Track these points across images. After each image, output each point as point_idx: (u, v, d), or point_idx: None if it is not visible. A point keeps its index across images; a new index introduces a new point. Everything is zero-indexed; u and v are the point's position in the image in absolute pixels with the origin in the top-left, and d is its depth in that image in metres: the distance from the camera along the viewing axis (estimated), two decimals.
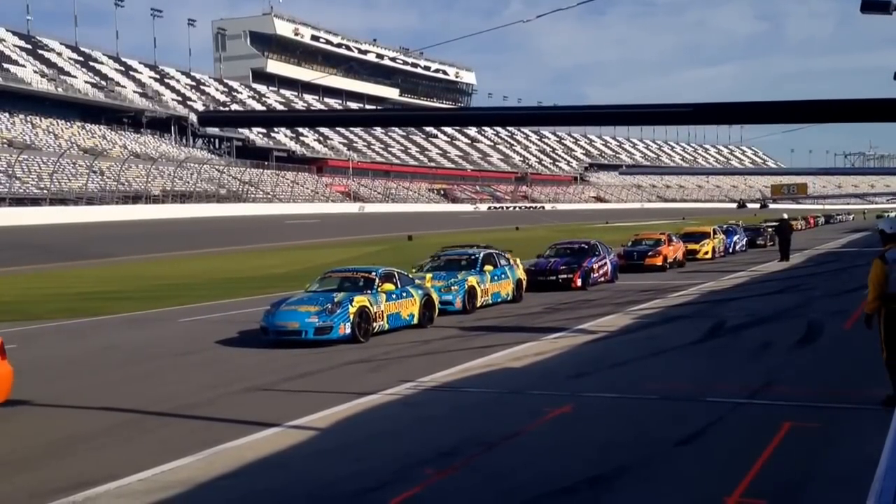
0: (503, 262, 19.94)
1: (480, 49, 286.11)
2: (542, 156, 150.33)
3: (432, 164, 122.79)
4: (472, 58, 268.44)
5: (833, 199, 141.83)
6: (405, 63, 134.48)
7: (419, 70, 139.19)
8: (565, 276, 22.18)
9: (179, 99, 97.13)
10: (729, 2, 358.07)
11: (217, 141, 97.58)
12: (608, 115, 7.45)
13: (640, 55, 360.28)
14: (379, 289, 14.75)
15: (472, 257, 19.42)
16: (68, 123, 79.64)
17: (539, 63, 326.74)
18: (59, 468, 7.22)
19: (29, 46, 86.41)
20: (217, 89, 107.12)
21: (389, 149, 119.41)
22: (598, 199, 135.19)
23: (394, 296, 14.96)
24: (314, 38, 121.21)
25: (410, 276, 17.04)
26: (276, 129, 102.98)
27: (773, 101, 4.99)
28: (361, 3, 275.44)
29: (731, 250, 36.12)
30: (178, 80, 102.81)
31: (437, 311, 16.25)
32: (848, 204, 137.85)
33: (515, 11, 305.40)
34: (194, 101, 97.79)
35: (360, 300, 14.11)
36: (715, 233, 34.77)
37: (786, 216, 32.56)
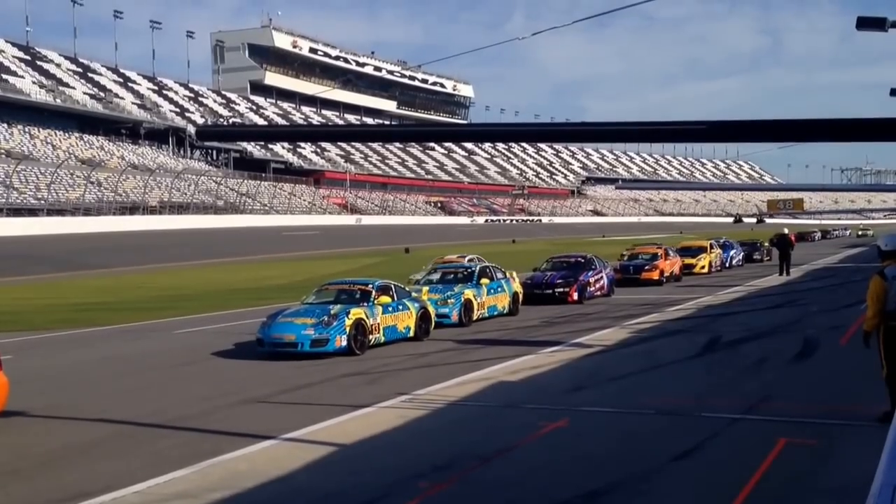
0: (499, 275, 19.96)
1: (481, 62, 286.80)
2: (539, 169, 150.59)
3: (429, 177, 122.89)
4: (473, 70, 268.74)
5: (830, 214, 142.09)
6: (403, 76, 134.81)
7: (417, 83, 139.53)
8: (562, 289, 22.19)
9: (177, 110, 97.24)
10: (730, 16, 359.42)
11: (215, 152, 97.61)
12: (618, 133, 7.47)
13: (641, 69, 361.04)
14: (375, 301, 14.76)
15: (469, 270, 19.45)
16: (66, 134, 79.66)
17: (540, 76, 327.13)
18: (55, 479, 7.20)
19: (28, 57, 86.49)
20: (215, 101, 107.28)
21: (387, 161, 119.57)
22: (596, 213, 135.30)
23: (390, 308, 14.96)
24: (312, 50, 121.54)
25: (407, 288, 17.05)
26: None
27: (786, 120, 5.02)
28: (365, 16, 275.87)
29: (727, 265, 36.16)
30: (176, 92, 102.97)
31: (433, 324, 16.24)
32: (841, 219, 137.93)
33: (518, 25, 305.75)
34: (192, 113, 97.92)
35: (357, 313, 14.11)
36: (712, 247, 34.82)
37: (786, 230, 32.62)
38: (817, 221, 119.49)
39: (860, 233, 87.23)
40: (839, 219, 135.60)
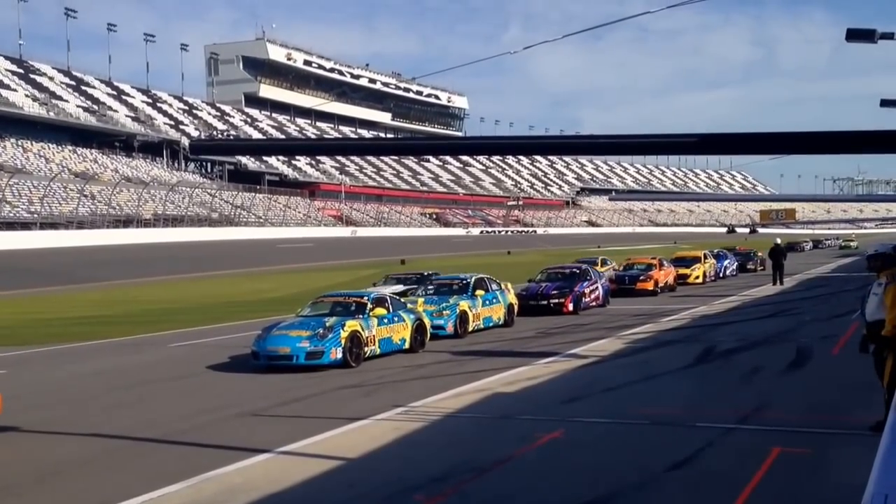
0: (494, 286, 19.98)
1: (476, 73, 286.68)
2: (533, 180, 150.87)
3: (424, 189, 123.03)
4: (468, 82, 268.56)
5: (822, 223, 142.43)
6: (397, 88, 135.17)
7: (411, 95, 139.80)
8: (557, 300, 22.21)
9: (172, 123, 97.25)
10: (724, 28, 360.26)
11: (209, 165, 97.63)
12: (611, 146, 7.50)
13: (636, 80, 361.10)
14: (371, 313, 14.76)
15: (464, 282, 19.45)
16: (59, 147, 79.59)
17: (535, 87, 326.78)
18: (49, 495, 7.19)
19: (21, 70, 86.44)
20: (209, 113, 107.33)
21: (381, 173, 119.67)
22: (591, 224, 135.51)
23: (385, 320, 14.96)
24: (307, 62, 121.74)
25: (402, 300, 17.06)
26: None
27: (776, 133, 5.07)
28: (361, 28, 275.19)
29: (721, 275, 36.25)
30: (170, 105, 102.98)
31: (428, 335, 16.25)
32: (833, 229, 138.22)
33: (514, 35, 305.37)
34: (186, 126, 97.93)
35: (352, 325, 14.11)
36: (706, 257, 34.91)
37: (778, 241, 32.78)
38: (810, 231, 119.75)
39: (843, 243, 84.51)
40: (830, 228, 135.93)
